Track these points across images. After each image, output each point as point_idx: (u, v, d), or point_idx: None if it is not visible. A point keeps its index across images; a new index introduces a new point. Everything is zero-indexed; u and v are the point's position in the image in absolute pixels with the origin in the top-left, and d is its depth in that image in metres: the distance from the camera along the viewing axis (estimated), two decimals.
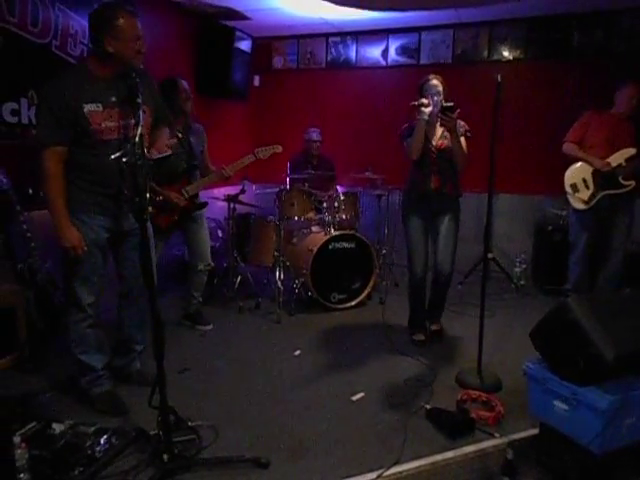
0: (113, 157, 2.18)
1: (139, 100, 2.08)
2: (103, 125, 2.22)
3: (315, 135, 4.88)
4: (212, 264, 3.66)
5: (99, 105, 2.21)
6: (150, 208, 1.97)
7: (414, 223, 3.31)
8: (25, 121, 3.29)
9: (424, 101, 3.09)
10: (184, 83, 3.43)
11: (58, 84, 2.23)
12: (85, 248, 2.28)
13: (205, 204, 3.55)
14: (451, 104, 2.92)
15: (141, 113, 2.04)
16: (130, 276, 2.54)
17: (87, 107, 2.18)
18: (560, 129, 4.08)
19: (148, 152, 2.33)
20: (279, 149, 3.68)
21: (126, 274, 2.56)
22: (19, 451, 1.88)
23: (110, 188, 2.32)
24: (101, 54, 2.21)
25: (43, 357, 2.94)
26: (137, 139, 1.97)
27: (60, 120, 2.18)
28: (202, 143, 3.62)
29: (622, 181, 3.73)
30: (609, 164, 3.73)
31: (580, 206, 3.87)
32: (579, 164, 3.87)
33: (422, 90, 3.19)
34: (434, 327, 3.50)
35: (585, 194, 3.83)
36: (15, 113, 3.25)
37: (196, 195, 3.46)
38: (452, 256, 3.29)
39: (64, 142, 2.21)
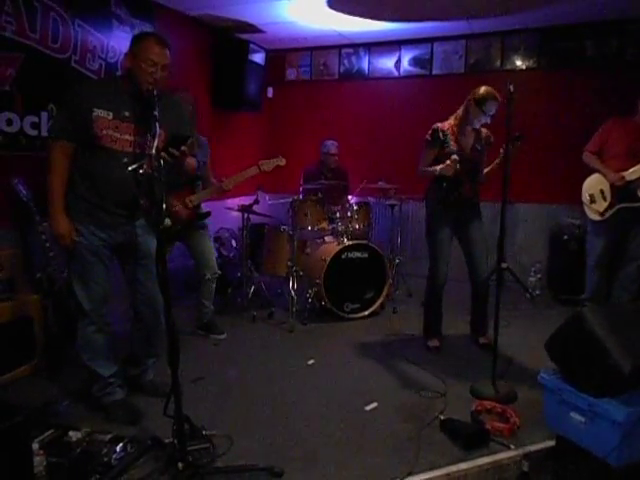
0: (130, 169, 2.24)
1: (155, 113, 2.13)
2: (104, 132, 2.28)
3: (333, 148, 4.87)
4: (219, 272, 3.68)
5: (109, 114, 2.28)
6: (168, 220, 1.99)
7: (442, 230, 3.31)
8: (45, 134, 3.37)
9: (455, 158, 3.05)
10: (188, 95, 3.48)
11: (83, 86, 2.47)
12: (75, 239, 2.35)
13: (208, 214, 3.58)
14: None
15: (157, 126, 2.09)
16: (139, 296, 2.56)
17: (97, 112, 2.26)
18: (574, 138, 4.06)
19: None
20: (283, 162, 3.69)
21: (136, 295, 2.58)
22: (37, 458, 1.91)
23: (109, 200, 2.36)
24: (125, 69, 2.36)
25: (60, 365, 2.98)
26: (154, 151, 2.02)
27: (72, 118, 2.29)
28: (205, 155, 3.68)
29: None
30: (623, 178, 3.66)
31: (595, 217, 3.83)
32: (598, 175, 3.83)
33: (481, 105, 3.07)
34: (483, 340, 3.46)
35: (601, 206, 3.78)
36: (35, 126, 3.34)
37: (198, 205, 3.49)
38: (487, 260, 3.33)
39: (71, 139, 2.32)
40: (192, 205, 3.40)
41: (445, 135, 3.20)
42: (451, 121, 3.25)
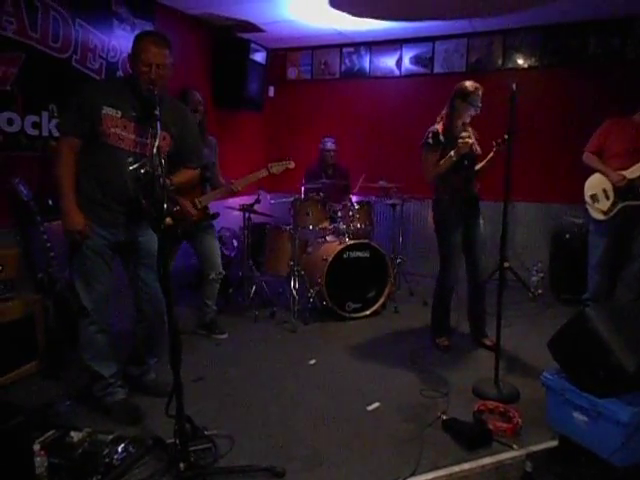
0: (131, 168, 2.24)
1: (156, 112, 2.13)
2: (112, 130, 2.30)
3: (330, 144, 4.92)
4: (223, 272, 3.68)
5: (118, 112, 2.31)
6: (169, 219, 1.99)
7: (456, 233, 3.29)
8: (46, 134, 3.37)
9: (468, 139, 3.08)
10: (196, 94, 3.49)
11: (94, 85, 2.54)
12: (89, 232, 2.34)
13: (217, 215, 3.59)
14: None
15: (158, 124, 2.09)
16: (142, 295, 2.56)
17: (105, 109, 2.29)
18: (576, 137, 4.04)
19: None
20: (292, 165, 3.73)
21: (138, 294, 2.57)
22: (38, 459, 1.91)
23: (111, 198, 2.37)
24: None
25: (62, 365, 2.98)
26: (155, 150, 2.02)
27: (81, 115, 2.31)
28: (214, 156, 3.68)
29: None
30: (624, 178, 3.65)
31: (599, 217, 3.81)
32: (599, 174, 3.81)
33: (467, 98, 3.12)
34: (488, 342, 3.39)
35: (605, 205, 3.76)
36: (36, 126, 3.33)
37: (207, 206, 3.50)
38: (485, 261, 3.36)
39: (79, 135, 2.34)
40: (201, 206, 3.40)
41: (445, 136, 3.19)
42: (440, 124, 3.23)
